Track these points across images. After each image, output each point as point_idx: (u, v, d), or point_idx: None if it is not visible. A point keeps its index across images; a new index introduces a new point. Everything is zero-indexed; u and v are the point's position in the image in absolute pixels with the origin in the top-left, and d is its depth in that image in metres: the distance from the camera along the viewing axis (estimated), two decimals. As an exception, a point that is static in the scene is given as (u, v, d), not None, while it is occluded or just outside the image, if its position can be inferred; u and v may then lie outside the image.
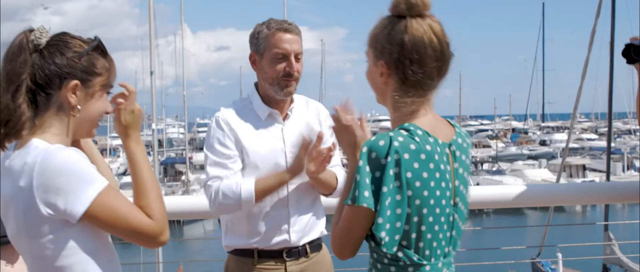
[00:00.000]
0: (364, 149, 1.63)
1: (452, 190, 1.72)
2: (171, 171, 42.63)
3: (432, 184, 1.65)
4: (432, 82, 1.71)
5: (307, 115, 2.73)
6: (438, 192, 1.66)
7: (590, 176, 34.89)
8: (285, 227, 2.59)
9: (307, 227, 2.65)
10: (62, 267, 1.64)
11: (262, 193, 2.50)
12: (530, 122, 75.68)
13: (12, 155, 1.67)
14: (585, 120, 76.78)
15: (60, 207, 1.57)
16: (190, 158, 39.24)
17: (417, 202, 1.64)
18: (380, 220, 1.61)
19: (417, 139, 1.64)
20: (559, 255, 8.01)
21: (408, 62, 1.67)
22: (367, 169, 1.61)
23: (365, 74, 1.82)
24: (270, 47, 2.56)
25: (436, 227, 1.68)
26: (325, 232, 2.75)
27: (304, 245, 2.65)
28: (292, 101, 2.70)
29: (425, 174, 1.63)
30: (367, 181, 1.61)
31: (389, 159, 1.59)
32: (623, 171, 35.81)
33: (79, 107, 1.70)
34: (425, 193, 1.64)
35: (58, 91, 1.67)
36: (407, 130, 1.66)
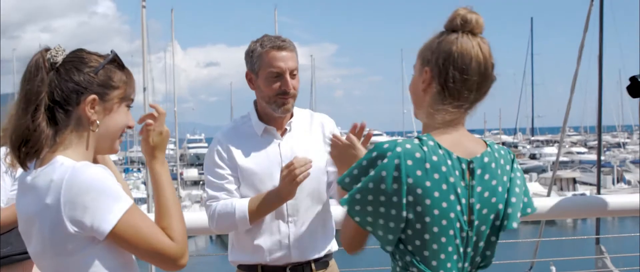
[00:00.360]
0: (372, 150, 1.70)
1: (466, 206, 1.71)
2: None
3: (436, 194, 1.66)
4: (469, 95, 1.76)
5: (311, 128, 2.71)
6: (444, 204, 1.67)
7: (581, 189, 35.00)
8: (285, 243, 2.58)
9: (310, 244, 2.62)
10: None
11: (256, 215, 2.50)
12: (519, 136, 76.03)
13: (34, 172, 1.66)
14: (575, 134, 77.29)
15: (87, 224, 1.57)
16: (181, 174, 39.12)
17: (418, 209, 1.66)
18: (357, 219, 1.69)
19: (425, 148, 1.67)
20: (553, 269, 7.98)
21: (452, 69, 1.73)
22: (364, 162, 1.68)
23: (408, 87, 1.90)
24: (265, 65, 2.54)
25: (443, 240, 1.69)
26: (335, 248, 2.73)
27: (308, 262, 2.62)
28: (291, 115, 2.68)
29: (428, 183, 1.65)
30: (355, 172, 1.69)
31: (385, 160, 1.64)
32: (613, 183, 36.00)
33: (97, 122, 1.69)
34: (428, 201, 1.66)
35: (76, 107, 1.68)
36: (419, 139, 1.71)
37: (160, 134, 1.83)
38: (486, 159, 1.76)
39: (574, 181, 37.36)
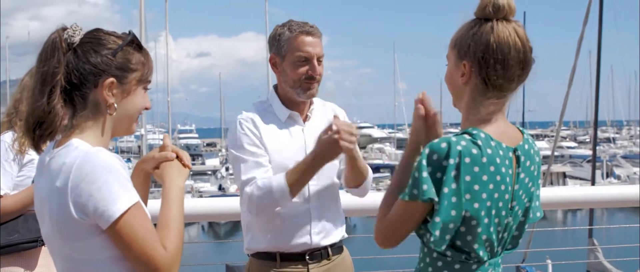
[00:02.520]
0: (426, 151, 1.66)
1: (511, 193, 1.73)
2: (153, 177, 42.14)
3: (491, 186, 1.67)
4: (511, 85, 1.74)
5: (325, 116, 2.73)
6: (496, 195, 1.68)
7: (571, 184, 35.20)
8: (307, 229, 2.59)
9: (328, 229, 2.65)
10: (89, 271, 1.61)
11: (296, 186, 2.46)
12: (510, 130, 76.02)
13: (51, 153, 1.64)
14: (565, 129, 77.54)
15: (91, 212, 1.54)
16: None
17: (476, 205, 1.66)
18: (437, 219, 1.65)
19: (479, 143, 1.66)
20: (549, 261, 8.06)
21: (492, 62, 1.70)
22: (429, 169, 1.64)
23: (444, 77, 1.85)
24: (293, 49, 2.56)
25: (491, 229, 1.71)
26: (346, 235, 2.76)
27: (325, 247, 2.64)
28: (312, 103, 2.70)
29: (484, 177, 1.65)
30: (425, 175, 1.64)
31: (451, 161, 1.62)
32: (603, 178, 36.22)
33: (115, 105, 1.66)
34: (484, 196, 1.66)
35: (94, 90, 1.64)
36: (469, 134, 1.68)
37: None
38: (526, 146, 1.79)
39: (564, 175, 37.59)
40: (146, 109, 1.75)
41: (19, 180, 2.91)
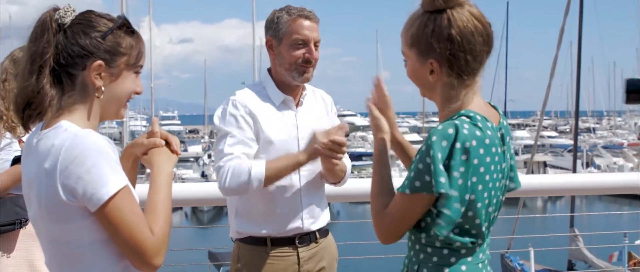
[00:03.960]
0: (434, 138, 1.63)
1: (501, 172, 1.74)
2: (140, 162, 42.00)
3: (492, 167, 1.68)
4: (481, 65, 1.74)
5: (316, 103, 2.77)
6: (495, 175, 1.70)
7: (551, 173, 35.57)
8: (298, 213, 2.62)
9: (317, 213, 2.69)
10: (76, 253, 1.61)
11: (273, 177, 2.48)
12: (492, 120, 76.54)
13: (39, 134, 1.63)
14: (546, 118, 78.27)
15: (79, 194, 1.53)
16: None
17: (480, 187, 1.66)
18: (450, 209, 1.64)
19: (479, 125, 1.66)
20: (531, 249, 8.14)
21: (462, 55, 1.68)
22: (439, 155, 1.61)
23: (406, 73, 1.82)
24: (291, 33, 2.57)
25: (490, 209, 1.73)
26: (329, 218, 2.80)
27: (314, 231, 2.68)
28: (304, 89, 2.72)
29: (488, 159, 1.66)
30: (441, 167, 1.61)
31: (459, 145, 1.60)
32: (583, 167, 36.59)
33: (103, 88, 1.65)
34: (487, 177, 1.67)
35: (82, 72, 1.63)
36: (467, 116, 1.67)
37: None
38: (505, 123, 1.80)
39: (545, 164, 37.92)
40: (137, 93, 1.74)
41: None
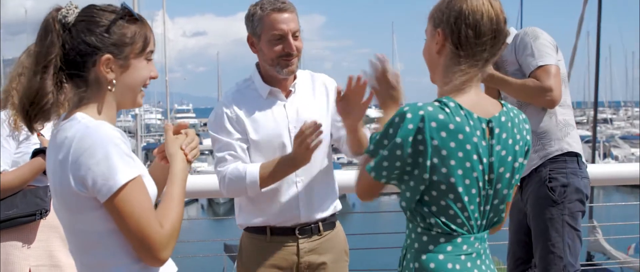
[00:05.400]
0: (395, 117, 1.72)
1: (487, 165, 1.75)
2: (152, 157, 42.39)
3: (460, 154, 1.70)
4: (483, 52, 1.77)
5: (314, 89, 2.72)
6: (468, 164, 1.71)
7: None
8: (295, 204, 2.60)
9: (318, 204, 2.65)
10: (93, 242, 1.64)
11: (267, 180, 2.51)
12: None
13: (58, 126, 1.66)
14: (562, 109, 77.58)
15: (89, 185, 1.55)
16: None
17: (444, 170, 1.69)
18: (371, 163, 1.74)
19: (447, 110, 1.70)
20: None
21: (464, 27, 1.75)
22: (390, 130, 1.71)
23: (422, 52, 1.90)
24: (267, 29, 2.54)
25: (466, 198, 1.73)
26: (340, 208, 2.76)
27: (316, 222, 2.65)
28: (295, 78, 2.68)
29: (452, 144, 1.69)
30: (380, 138, 1.73)
31: (411, 125, 1.67)
32: (600, 158, 36.34)
33: (114, 81, 1.66)
34: (452, 162, 1.69)
35: (93, 68, 1.65)
36: (439, 101, 1.73)
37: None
38: (503, 119, 1.80)
39: (562, 155, 37.63)
40: (152, 78, 1.76)
41: (17, 157, 2.94)
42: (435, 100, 1.74)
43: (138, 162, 1.66)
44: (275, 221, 2.61)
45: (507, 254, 3.32)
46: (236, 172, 2.52)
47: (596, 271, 8.00)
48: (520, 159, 1.83)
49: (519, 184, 1.95)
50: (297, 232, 2.61)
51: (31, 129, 1.69)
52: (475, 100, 1.78)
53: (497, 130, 1.77)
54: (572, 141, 3.07)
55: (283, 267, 2.61)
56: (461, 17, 1.74)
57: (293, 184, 2.60)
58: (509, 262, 3.29)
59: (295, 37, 2.56)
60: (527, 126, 1.88)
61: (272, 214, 2.60)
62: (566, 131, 3.06)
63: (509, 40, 3.07)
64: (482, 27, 1.74)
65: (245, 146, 2.59)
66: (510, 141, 1.80)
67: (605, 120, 57.87)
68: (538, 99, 2.99)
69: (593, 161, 8.76)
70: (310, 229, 2.64)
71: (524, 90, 3.00)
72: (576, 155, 3.06)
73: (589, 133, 29.15)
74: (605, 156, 37.49)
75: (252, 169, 2.51)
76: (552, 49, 3.03)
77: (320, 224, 2.66)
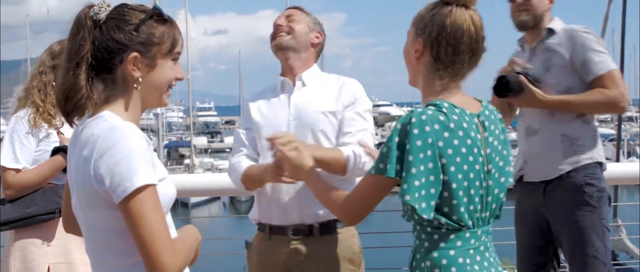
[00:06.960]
0: (399, 126, 1.78)
1: (485, 157, 1.84)
2: (174, 154, 42.79)
3: (464, 150, 1.78)
4: (462, 67, 1.87)
5: (329, 90, 2.66)
6: (471, 158, 1.79)
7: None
8: (289, 203, 2.57)
9: (311, 207, 2.54)
10: (110, 240, 1.65)
11: (251, 183, 2.61)
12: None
13: (84, 123, 1.69)
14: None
15: (107, 185, 1.56)
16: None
17: (452, 169, 1.76)
18: (405, 186, 1.75)
19: (443, 110, 1.78)
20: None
21: (444, 43, 1.83)
22: (397, 139, 1.77)
23: (402, 51, 1.98)
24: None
25: (472, 192, 1.80)
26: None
27: (311, 225, 2.58)
28: (303, 71, 2.69)
29: (455, 141, 1.77)
30: (397, 153, 1.76)
31: (416, 130, 1.73)
32: (624, 156, 35.87)
33: (140, 79, 1.69)
34: (458, 159, 1.77)
35: (120, 65, 1.68)
36: (434, 105, 1.80)
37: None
38: (487, 112, 1.92)
39: (585, 154, 37.22)
40: (178, 79, 1.78)
41: (37, 154, 2.97)
42: (430, 104, 1.81)
43: (159, 169, 1.67)
44: (272, 219, 2.63)
45: (519, 258, 3.27)
46: (234, 166, 2.67)
47: (620, 271, 7.89)
48: (507, 148, 1.95)
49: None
50: (290, 232, 2.59)
51: (70, 123, 1.72)
52: (462, 99, 1.88)
53: (486, 123, 1.88)
54: (601, 152, 3.09)
55: (277, 266, 2.61)
56: (443, 33, 1.83)
57: (287, 186, 2.55)
58: (523, 267, 3.24)
59: (289, 19, 2.68)
60: (499, 116, 1.97)
61: (269, 212, 2.64)
62: (598, 141, 3.07)
63: (558, 28, 3.06)
64: (462, 45, 1.84)
65: (250, 138, 2.71)
66: (496, 132, 1.91)
67: (630, 119, 57.07)
68: (612, 110, 3.03)
69: (617, 160, 8.63)
70: (303, 231, 2.58)
71: (596, 107, 2.99)
72: (601, 164, 3.07)
73: (614, 131, 28.74)
74: (629, 155, 37.02)
75: (242, 166, 2.63)
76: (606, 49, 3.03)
77: (316, 226, 2.58)
